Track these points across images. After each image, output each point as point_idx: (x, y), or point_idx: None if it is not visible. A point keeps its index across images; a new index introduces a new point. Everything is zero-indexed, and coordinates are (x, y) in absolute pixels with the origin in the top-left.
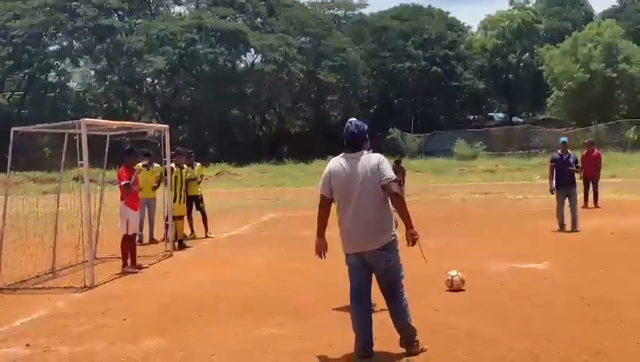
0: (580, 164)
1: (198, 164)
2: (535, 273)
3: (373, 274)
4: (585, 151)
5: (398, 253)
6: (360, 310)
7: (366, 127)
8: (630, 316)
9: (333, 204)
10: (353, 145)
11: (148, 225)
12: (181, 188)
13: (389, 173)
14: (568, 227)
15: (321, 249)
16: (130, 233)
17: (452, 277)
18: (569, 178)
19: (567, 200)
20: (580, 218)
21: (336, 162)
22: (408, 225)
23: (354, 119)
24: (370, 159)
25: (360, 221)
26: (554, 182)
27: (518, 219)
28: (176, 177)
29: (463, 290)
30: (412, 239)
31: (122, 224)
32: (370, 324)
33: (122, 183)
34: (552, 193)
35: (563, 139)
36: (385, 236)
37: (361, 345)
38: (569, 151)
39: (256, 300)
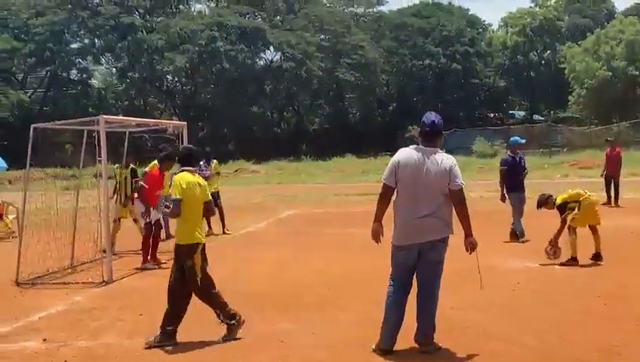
0: (526, 167)
1: (215, 161)
2: (551, 271)
3: (417, 271)
4: (608, 150)
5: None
6: (398, 304)
7: (442, 122)
8: None
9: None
10: (430, 135)
11: (163, 221)
12: (125, 189)
13: (460, 180)
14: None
15: (378, 233)
16: (153, 219)
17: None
18: (521, 181)
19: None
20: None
21: (409, 153)
22: (468, 232)
23: (432, 112)
24: (443, 159)
25: (425, 212)
26: (504, 189)
27: (536, 217)
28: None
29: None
30: (471, 247)
31: (140, 217)
32: (402, 321)
33: (141, 183)
34: (504, 201)
35: (518, 140)
36: (447, 229)
37: (386, 338)
38: (519, 153)
39: (271, 296)
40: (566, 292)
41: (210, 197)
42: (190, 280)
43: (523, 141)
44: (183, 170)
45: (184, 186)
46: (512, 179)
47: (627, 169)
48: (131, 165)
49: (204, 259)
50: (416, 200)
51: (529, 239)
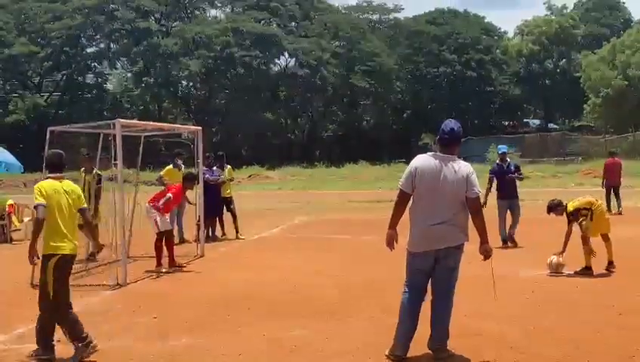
0: (522, 172)
1: (229, 166)
2: (565, 280)
3: (432, 277)
4: (610, 160)
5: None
6: (412, 311)
7: (462, 130)
8: None
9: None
10: (448, 143)
11: (177, 226)
12: (89, 196)
13: (477, 188)
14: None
15: (393, 239)
16: (162, 229)
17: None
18: (511, 189)
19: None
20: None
21: (426, 160)
22: (484, 240)
23: (452, 120)
24: (461, 167)
25: (442, 219)
26: (487, 196)
27: (549, 225)
28: (84, 183)
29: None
30: (486, 254)
31: (152, 224)
32: (415, 327)
33: (170, 196)
34: (484, 206)
35: (503, 149)
36: (463, 236)
37: (400, 344)
38: (508, 160)
39: (285, 301)
40: (580, 301)
41: (85, 204)
42: (41, 295)
43: (502, 149)
44: (48, 178)
45: (48, 192)
46: (500, 187)
47: None
48: (95, 170)
49: (60, 274)
50: (432, 207)
51: (510, 246)
